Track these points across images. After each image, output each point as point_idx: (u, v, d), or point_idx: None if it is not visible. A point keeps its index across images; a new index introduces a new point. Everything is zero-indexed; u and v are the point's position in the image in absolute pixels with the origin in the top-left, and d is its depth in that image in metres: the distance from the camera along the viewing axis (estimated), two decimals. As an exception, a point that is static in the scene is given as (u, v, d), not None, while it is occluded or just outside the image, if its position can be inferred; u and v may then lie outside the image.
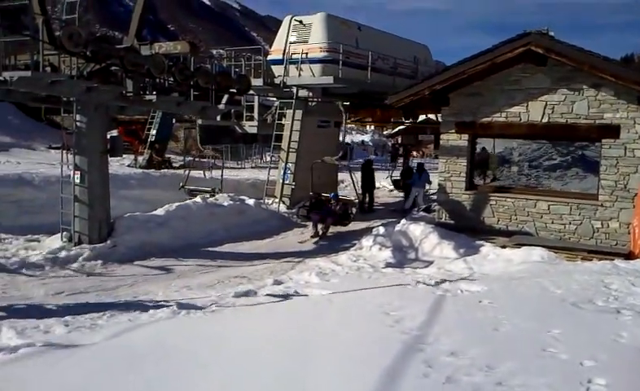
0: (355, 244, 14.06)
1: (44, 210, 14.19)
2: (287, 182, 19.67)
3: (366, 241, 13.75)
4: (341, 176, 25.28)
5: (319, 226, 16.05)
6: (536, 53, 12.90)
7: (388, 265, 12.26)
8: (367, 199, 21.67)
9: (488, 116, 14.07)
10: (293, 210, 19.20)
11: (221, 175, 18.73)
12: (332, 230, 16.47)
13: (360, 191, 20.80)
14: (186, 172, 19.28)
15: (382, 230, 14.08)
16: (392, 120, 29.17)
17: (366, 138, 60.05)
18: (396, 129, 52.34)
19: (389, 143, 54.57)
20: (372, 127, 57.44)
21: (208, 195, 17.21)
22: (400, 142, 52.27)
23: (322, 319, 7.61)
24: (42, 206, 14.35)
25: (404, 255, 12.98)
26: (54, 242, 13.21)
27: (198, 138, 34.38)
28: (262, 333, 7.07)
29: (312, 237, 15.90)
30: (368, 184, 21.96)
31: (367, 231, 14.91)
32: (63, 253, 12.42)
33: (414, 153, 43.83)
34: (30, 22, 12.27)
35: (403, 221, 14.33)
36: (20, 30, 12.56)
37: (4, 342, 7.08)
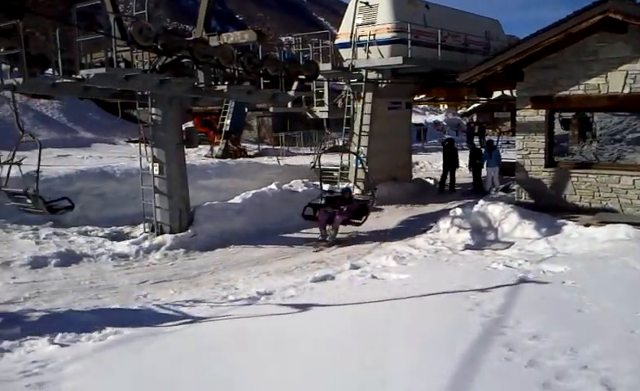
0: (432, 227, 13.90)
1: (126, 202, 14.68)
2: (360, 166, 19.61)
3: (444, 223, 13.55)
4: (416, 157, 25.10)
5: (328, 228, 13.75)
6: (614, 20, 12.28)
7: (467, 247, 12.06)
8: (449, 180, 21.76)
9: (565, 89, 13.57)
10: (368, 194, 19.14)
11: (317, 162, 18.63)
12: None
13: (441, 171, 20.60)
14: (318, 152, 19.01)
15: (459, 211, 13.83)
16: (465, 98, 28.57)
17: (440, 117, 59.13)
18: (471, 108, 51.33)
19: (464, 122, 53.57)
20: (445, 106, 56.49)
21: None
22: (475, 120, 51.25)
23: (399, 304, 7.58)
24: (125, 198, 14.84)
25: (483, 236, 12.72)
26: (138, 232, 13.66)
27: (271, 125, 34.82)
28: (341, 319, 7.11)
29: (319, 241, 13.62)
30: (450, 164, 21.83)
31: (444, 213, 14.70)
32: (146, 243, 12.83)
33: (490, 131, 42.83)
34: (103, 21, 12.66)
35: (481, 201, 14.05)
36: (94, 29, 12.96)
37: (94, 329, 7.40)
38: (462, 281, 8.66)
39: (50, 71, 13.09)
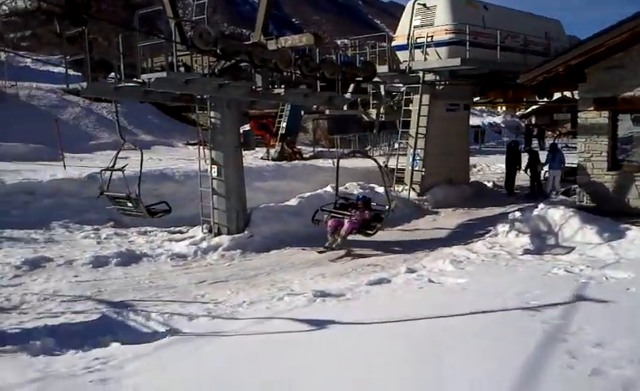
0: (490, 231, 13.68)
1: (185, 203, 14.91)
2: (417, 168, 19.47)
3: (502, 227, 13.31)
4: (473, 160, 24.78)
5: (337, 235, 12.88)
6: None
7: (526, 251, 11.82)
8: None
9: (630, 89, 13.17)
10: (424, 197, 19.00)
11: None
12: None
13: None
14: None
15: (518, 215, 13.56)
16: (524, 100, 28.05)
17: (498, 119, 58.20)
18: (529, 110, 50.34)
19: (522, 124, 52.59)
20: (504, 108, 55.56)
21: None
22: (534, 122, 50.23)
23: (457, 308, 7.48)
24: (183, 199, 15.08)
25: (543, 241, 12.43)
26: (196, 233, 13.87)
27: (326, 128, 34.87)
28: (397, 324, 7.05)
29: (325, 248, 12.80)
30: (514, 166, 21.58)
31: (503, 217, 14.46)
32: (204, 244, 13.01)
33: (549, 133, 41.90)
34: (163, 26, 12.92)
35: (541, 205, 13.73)
36: (155, 34, 13.25)
37: (153, 328, 7.56)
38: (521, 286, 8.50)
39: (112, 75, 13.43)
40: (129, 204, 12.76)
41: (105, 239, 13.46)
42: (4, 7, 34.33)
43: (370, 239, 13.10)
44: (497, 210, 17.28)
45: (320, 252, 12.67)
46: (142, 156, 12.56)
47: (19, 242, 12.62)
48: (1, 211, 13.75)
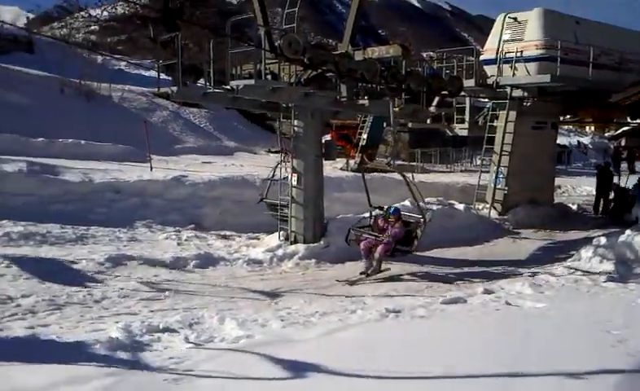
0: (573, 255, 13.21)
1: (263, 209, 15.11)
2: (500, 186, 19.03)
3: (585, 252, 12.82)
4: (558, 180, 24.02)
5: (372, 258, 11.89)
6: None
7: (610, 279, 11.31)
8: (602, 205, 20.91)
9: None
10: (505, 216, 18.54)
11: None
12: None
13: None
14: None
15: (603, 240, 13.01)
16: (614, 120, 27.00)
17: (585, 140, 56.18)
18: (620, 131, 48.36)
19: (611, 146, 50.53)
20: (592, 128, 53.59)
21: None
22: (623, 144, 48.22)
23: (534, 333, 7.24)
24: (262, 206, 15.30)
25: (628, 269, 11.89)
26: (273, 240, 14.00)
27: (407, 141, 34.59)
28: (470, 343, 6.89)
29: (361, 274, 11.86)
30: (605, 189, 20.94)
31: (586, 241, 13.92)
32: (280, 251, 13.13)
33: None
34: (253, 34, 13.17)
35: (628, 231, 13.12)
36: (246, 42, 13.52)
37: (227, 332, 7.66)
38: (603, 314, 8.14)
39: (201, 81, 13.80)
40: (285, 211, 13.84)
41: (185, 240, 13.79)
42: (105, 13, 35.91)
43: (444, 255, 12.86)
44: (580, 234, 16.71)
45: (351, 284, 11.42)
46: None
47: (104, 239, 13.10)
48: (88, 208, 14.33)
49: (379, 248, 11.70)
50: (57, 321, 8.00)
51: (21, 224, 12.68)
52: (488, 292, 10.30)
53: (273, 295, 10.21)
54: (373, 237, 12.02)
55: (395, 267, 12.67)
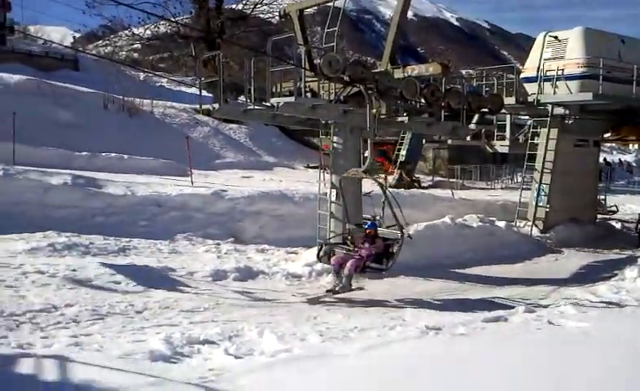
0: (616, 274, 12.94)
1: (302, 225, 15.15)
2: (541, 204, 18.79)
3: (630, 272, 12.57)
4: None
5: (344, 273, 11.01)
6: None
7: (656, 299, 11.07)
8: None
9: None
10: (547, 234, 18.28)
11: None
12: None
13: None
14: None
15: (648, 260, 12.77)
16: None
17: (630, 157, 55.06)
18: (666, 149, 47.31)
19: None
20: (636, 146, 52.53)
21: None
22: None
23: (577, 355, 7.08)
24: (301, 221, 15.34)
25: (674, 289, 11.62)
26: (311, 255, 14.02)
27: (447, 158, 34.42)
28: (511, 363, 6.78)
29: (327, 292, 11.35)
30: None
31: (631, 260, 13.63)
32: (318, 266, 13.09)
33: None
34: (292, 52, 13.33)
35: (675, 250, 12.86)
36: (286, 60, 13.68)
37: (266, 345, 7.69)
38: (652, 337, 7.95)
39: (242, 98, 13.98)
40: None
41: (225, 254, 13.90)
42: (147, 32, 36.63)
43: (484, 273, 12.70)
44: (624, 253, 16.33)
45: (312, 303, 10.90)
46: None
47: (145, 251, 13.30)
48: (130, 221, 14.58)
49: (349, 264, 10.98)
50: (99, 331, 8.10)
51: (65, 235, 12.95)
52: (529, 310, 10.12)
53: (312, 309, 10.21)
54: (344, 252, 11.48)
55: (433, 284, 12.59)
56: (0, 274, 10.18)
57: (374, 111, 12.09)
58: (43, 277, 10.33)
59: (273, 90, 13.99)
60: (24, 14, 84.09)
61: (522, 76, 19.87)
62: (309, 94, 13.39)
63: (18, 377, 5.77)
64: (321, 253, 11.75)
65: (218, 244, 14.45)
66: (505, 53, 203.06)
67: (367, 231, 11.54)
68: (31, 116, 20.73)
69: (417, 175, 30.43)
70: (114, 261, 12.07)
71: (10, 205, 13.65)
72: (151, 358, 6.82)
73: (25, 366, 6.06)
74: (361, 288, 11.48)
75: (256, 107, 13.61)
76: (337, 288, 11.09)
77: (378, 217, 13.20)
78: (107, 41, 50.16)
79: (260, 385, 5.97)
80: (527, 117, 21.91)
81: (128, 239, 13.60)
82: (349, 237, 11.93)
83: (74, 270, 10.89)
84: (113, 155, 21.41)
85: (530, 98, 18.97)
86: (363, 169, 11.82)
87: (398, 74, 14.10)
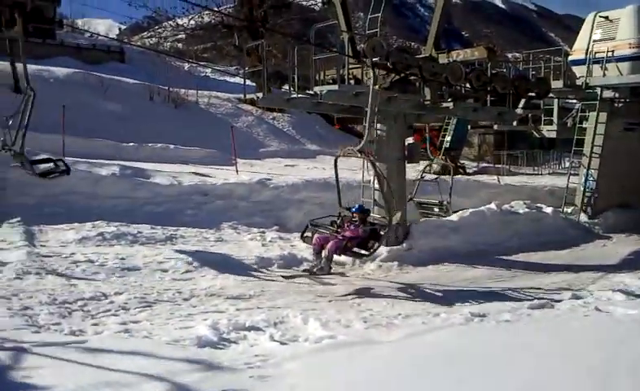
0: (670, 260, 12.64)
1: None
2: (589, 189, 18.41)
3: (684, 258, 12.25)
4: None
5: (323, 254, 10.82)
6: None
7: None
8: None
9: None
10: (595, 220, 17.91)
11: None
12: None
13: None
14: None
15: None
16: None
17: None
18: None
19: None
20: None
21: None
22: None
23: (626, 343, 6.94)
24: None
25: None
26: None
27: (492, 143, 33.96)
28: (557, 349, 6.69)
29: (304, 271, 11.47)
30: None
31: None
32: (361, 253, 13.16)
33: None
34: (335, 39, 13.30)
35: None
36: (329, 48, 13.66)
37: (311, 332, 7.76)
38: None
39: (285, 86, 14.03)
40: (436, 210, 15.39)
41: (270, 241, 14.02)
42: (191, 22, 37.01)
43: (530, 260, 12.51)
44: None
45: (286, 278, 11.10)
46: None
47: (192, 239, 13.50)
48: (177, 210, 14.81)
49: (329, 245, 10.70)
50: (148, 318, 8.27)
51: (114, 224, 13.24)
52: (576, 297, 10.00)
53: (356, 296, 10.25)
54: (327, 233, 11.25)
55: (479, 271, 12.49)
56: (52, 263, 10.49)
57: (377, 87, 11.81)
58: (93, 266, 10.62)
59: (317, 77, 14.00)
60: (72, 8, 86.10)
61: (570, 58, 19.42)
62: (352, 82, 13.35)
63: (72, 362, 5.97)
64: (306, 233, 11.56)
65: (263, 232, 14.58)
66: (552, 35, 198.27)
67: (353, 214, 11.36)
68: (79, 108, 21.18)
69: (462, 161, 30.12)
70: (161, 249, 12.30)
71: (61, 196, 14.02)
72: (199, 344, 6.96)
73: (78, 352, 6.28)
74: (342, 274, 11.69)
75: (299, 96, 13.65)
76: (315, 270, 11.00)
77: (445, 203, 13.79)
78: (152, 33, 50.94)
79: (305, 370, 6.05)
80: (575, 101, 21.45)
81: (175, 228, 13.83)
82: (338, 220, 11.61)
83: (123, 259, 11.16)
84: (159, 145, 21.74)
85: (578, 82, 18.54)
86: (358, 148, 11.45)
87: (443, 59, 13.95)
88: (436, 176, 14.43)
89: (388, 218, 10.83)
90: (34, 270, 9.91)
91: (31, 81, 10.66)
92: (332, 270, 11.15)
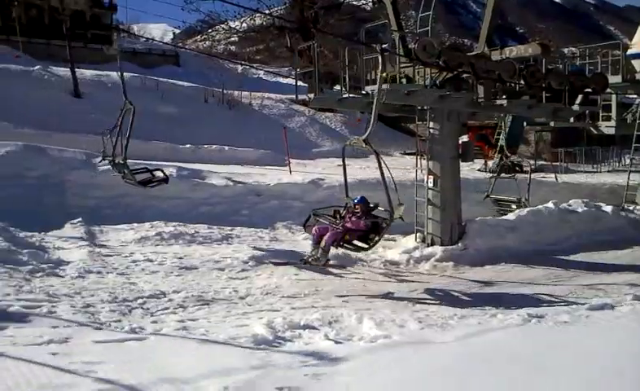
0: None
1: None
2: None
3: None
4: None
5: (321, 245, 10.85)
6: None
7: None
8: None
9: None
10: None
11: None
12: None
13: None
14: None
15: None
16: None
17: None
18: None
19: None
20: None
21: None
22: None
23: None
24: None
25: None
26: (409, 242, 13.98)
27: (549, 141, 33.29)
28: (617, 350, 6.55)
29: (300, 260, 11.62)
30: None
31: None
32: (416, 253, 13.09)
33: None
34: (386, 38, 13.28)
35: None
36: (375, 47, 13.65)
37: (365, 331, 7.77)
38: None
39: (337, 87, 14.10)
40: (514, 206, 15.88)
41: (324, 241, 14.07)
42: (244, 25, 37.50)
43: (590, 260, 12.23)
44: None
45: (276, 264, 11.43)
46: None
47: (247, 239, 13.69)
48: (232, 210, 15.06)
49: (326, 236, 10.64)
50: (205, 316, 8.42)
51: (172, 224, 13.56)
52: (638, 298, 9.71)
53: (411, 296, 10.21)
54: (327, 223, 11.05)
55: (536, 271, 12.28)
56: (113, 262, 10.84)
57: (384, 74, 11.49)
58: (152, 265, 10.92)
59: (368, 77, 14.00)
60: (127, 14, 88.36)
61: (629, 52, 18.87)
62: (404, 81, 13.30)
63: (132, 358, 6.15)
64: (308, 223, 11.60)
65: (317, 232, 14.65)
66: (611, 28, 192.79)
67: (355, 206, 11.17)
68: (137, 111, 21.64)
69: (518, 159, 29.62)
70: (217, 249, 12.51)
71: (121, 197, 14.41)
72: (255, 342, 7.05)
73: (138, 349, 6.47)
74: (342, 267, 11.71)
75: (351, 96, 13.68)
76: (311, 260, 11.12)
77: (523, 200, 13.88)
78: (205, 36, 51.75)
79: (360, 369, 6.07)
80: (635, 96, 20.85)
81: (230, 228, 14.07)
82: (342, 210, 11.32)
83: (180, 258, 11.43)
84: (214, 146, 22.12)
85: (638, 76, 18.03)
86: (363, 137, 11.05)
87: (496, 56, 13.76)
88: (511, 174, 15.48)
89: (390, 212, 10.28)
90: (95, 268, 10.27)
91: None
92: (330, 262, 11.38)
